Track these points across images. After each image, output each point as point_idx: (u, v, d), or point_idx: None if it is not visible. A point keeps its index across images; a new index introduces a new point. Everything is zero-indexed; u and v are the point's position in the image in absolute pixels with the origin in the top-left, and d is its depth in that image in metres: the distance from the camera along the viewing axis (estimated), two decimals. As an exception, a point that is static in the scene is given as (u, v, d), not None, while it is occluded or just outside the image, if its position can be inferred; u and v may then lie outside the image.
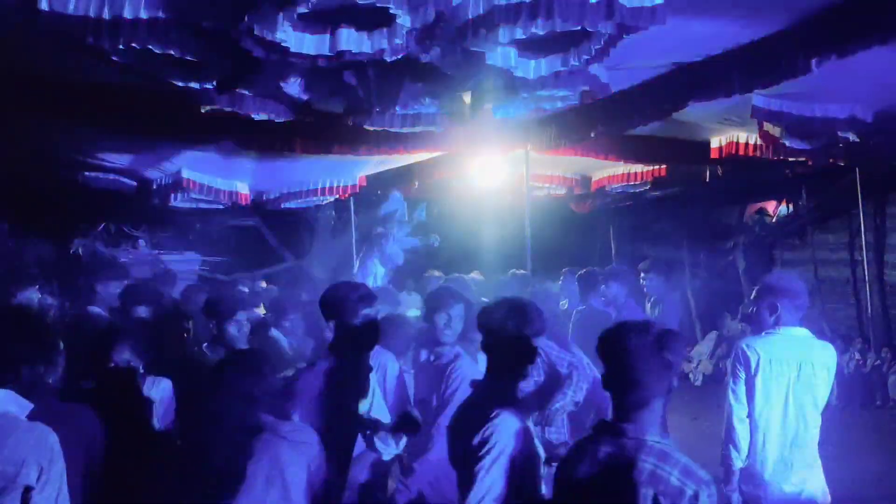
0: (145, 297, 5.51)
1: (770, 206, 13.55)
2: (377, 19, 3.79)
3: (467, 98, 5.54)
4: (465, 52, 4.01)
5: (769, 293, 3.89)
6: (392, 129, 5.68)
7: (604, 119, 5.91)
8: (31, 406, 2.69)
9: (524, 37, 3.87)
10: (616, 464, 2.42)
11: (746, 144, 7.07)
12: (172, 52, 3.96)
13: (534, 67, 4.37)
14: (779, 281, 3.99)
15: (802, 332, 3.86)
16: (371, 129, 5.64)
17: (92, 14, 3.63)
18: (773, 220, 13.33)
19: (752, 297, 4.05)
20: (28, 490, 2.50)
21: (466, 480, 2.84)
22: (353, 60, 4.04)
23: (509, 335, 3.01)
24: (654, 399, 2.46)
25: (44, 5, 3.62)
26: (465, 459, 2.88)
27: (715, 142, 7.28)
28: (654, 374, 2.45)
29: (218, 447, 2.84)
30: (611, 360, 2.54)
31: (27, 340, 2.76)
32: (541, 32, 3.82)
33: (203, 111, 5.01)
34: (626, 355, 2.47)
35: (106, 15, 3.61)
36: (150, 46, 3.83)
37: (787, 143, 6.56)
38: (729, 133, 7.11)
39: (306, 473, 2.87)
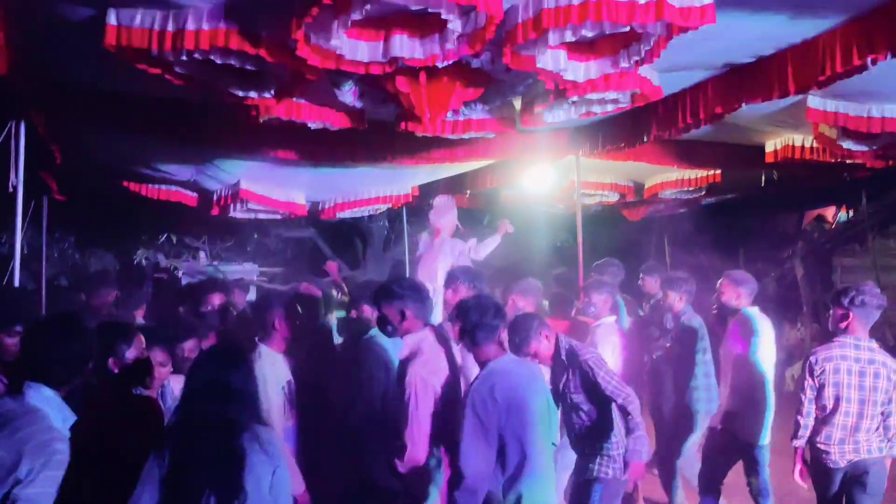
0: None
1: (829, 212, 13.27)
2: (429, 25, 3.88)
3: (517, 103, 5.60)
4: (515, 56, 4.06)
5: None
6: (443, 136, 5.77)
7: (656, 123, 5.87)
8: (73, 417, 2.86)
9: (573, 39, 3.91)
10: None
11: (802, 147, 6.94)
12: (233, 63, 4.11)
13: (584, 70, 4.41)
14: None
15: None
16: (422, 136, 5.73)
17: (157, 27, 3.81)
18: (833, 226, 13.05)
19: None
20: (17, 483, 2.58)
21: None
22: (406, 66, 4.12)
23: None
24: None
25: (112, 20, 3.81)
26: None
27: (770, 145, 7.17)
28: None
29: (194, 444, 2.84)
30: None
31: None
32: (590, 34, 3.87)
33: (261, 121, 5.16)
34: None
35: (170, 27, 3.78)
36: (212, 57, 3.99)
37: (844, 146, 6.45)
38: (784, 136, 7.01)
39: (269, 480, 2.84)
